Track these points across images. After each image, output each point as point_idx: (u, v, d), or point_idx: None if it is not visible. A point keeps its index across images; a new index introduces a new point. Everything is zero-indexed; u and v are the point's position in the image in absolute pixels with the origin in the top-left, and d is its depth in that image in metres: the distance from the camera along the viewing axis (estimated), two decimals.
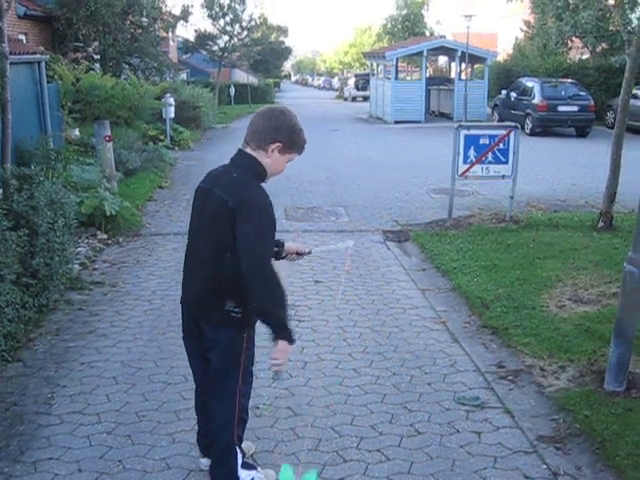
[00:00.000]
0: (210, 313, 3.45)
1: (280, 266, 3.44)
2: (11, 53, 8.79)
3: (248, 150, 3.43)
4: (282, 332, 3.29)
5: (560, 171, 14.90)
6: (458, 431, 4.38)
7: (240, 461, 3.66)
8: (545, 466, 3.98)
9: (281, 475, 3.58)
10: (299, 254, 3.92)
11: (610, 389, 4.74)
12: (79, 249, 8.13)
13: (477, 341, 5.82)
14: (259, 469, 3.83)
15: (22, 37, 17.76)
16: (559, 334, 5.75)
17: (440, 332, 6.03)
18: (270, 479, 3.81)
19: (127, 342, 5.79)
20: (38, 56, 13.11)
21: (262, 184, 3.43)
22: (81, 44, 22.03)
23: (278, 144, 3.38)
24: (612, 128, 10.92)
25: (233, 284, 3.31)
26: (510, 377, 5.11)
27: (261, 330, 3.41)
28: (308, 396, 4.81)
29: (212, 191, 3.38)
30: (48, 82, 13.72)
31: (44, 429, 4.38)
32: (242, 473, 3.67)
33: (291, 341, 3.31)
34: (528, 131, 22.11)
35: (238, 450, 3.65)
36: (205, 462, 3.90)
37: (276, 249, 3.69)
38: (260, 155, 3.40)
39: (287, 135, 3.40)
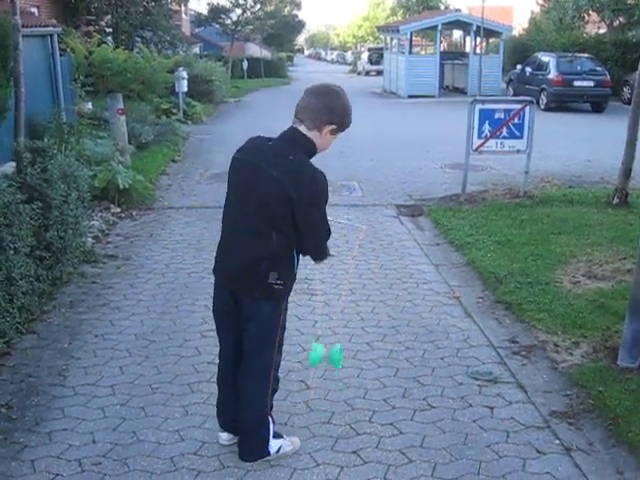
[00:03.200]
0: (252, 286, 3.45)
1: None
2: (23, 26, 8.75)
3: (302, 129, 3.39)
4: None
5: (575, 147, 14.77)
6: (471, 405, 4.37)
7: (272, 430, 3.75)
8: (558, 441, 3.98)
9: (311, 355, 3.89)
10: None
11: (624, 365, 4.72)
12: (92, 222, 8.14)
13: (490, 316, 5.81)
14: (285, 437, 3.88)
15: (34, 10, 17.67)
16: (573, 310, 5.72)
17: (453, 307, 6.02)
18: (296, 446, 3.88)
19: (140, 315, 5.81)
20: (50, 29, 13.06)
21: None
22: (93, 17, 21.95)
23: (333, 126, 3.38)
24: (628, 104, 10.80)
25: (278, 258, 3.40)
26: (523, 352, 5.10)
27: None
28: (321, 369, 4.80)
29: (263, 169, 3.33)
30: (60, 55, 13.67)
31: (58, 400, 4.41)
32: (272, 442, 3.76)
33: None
34: (543, 106, 21.90)
35: (270, 419, 3.74)
36: (225, 437, 3.92)
37: None
38: (314, 135, 3.39)
39: (342, 117, 3.40)
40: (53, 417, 4.22)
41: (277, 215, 3.33)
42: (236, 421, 3.81)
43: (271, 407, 3.81)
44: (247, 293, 3.49)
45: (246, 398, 3.70)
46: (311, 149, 3.41)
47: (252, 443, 3.76)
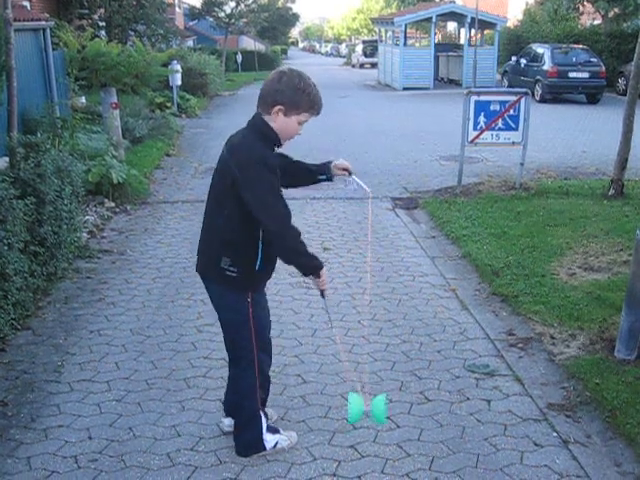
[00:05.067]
0: (207, 270, 3.53)
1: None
2: (15, 20, 8.71)
3: (261, 113, 3.37)
4: (309, 271, 3.44)
5: (570, 138, 14.76)
6: (468, 399, 4.36)
7: (265, 425, 3.74)
8: (555, 434, 3.97)
9: (351, 411, 3.49)
10: (346, 170, 3.81)
11: (621, 357, 4.71)
12: (87, 217, 8.11)
13: (487, 309, 5.80)
14: (282, 431, 3.88)
15: (26, 4, 17.54)
16: (569, 302, 5.71)
17: (450, 300, 6.00)
18: (293, 440, 3.88)
19: (136, 310, 5.78)
20: (43, 23, 12.97)
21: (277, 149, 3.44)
22: (86, 11, 21.82)
23: (279, 106, 3.27)
24: (623, 95, 10.78)
25: (232, 243, 3.36)
26: (520, 345, 5.09)
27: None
28: (317, 364, 4.81)
29: (223, 152, 3.42)
30: (53, 49, 13.60)
31: (54, 397, 4.39)
32: (267, 437, 3.76)
33: (318, 271, 3.42)
34: (538, 98, 21.88)
35: (262, 415, 3.72)
36: (227, 422, 3.96)
37: (324, 177, 3.79)
38: (269, 119, 3.33)
39: (289, 96, 3.27)
40: (49, 413, 4.19)
41: (225, 191, 3.33)
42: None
43: (263, 403, 3.77)
44: (207, 278, 3.56)
45: (236, 389, 3.73)
46: (267, 133, 3.33)
47: (245, 439, 3.75)
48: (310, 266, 3.41)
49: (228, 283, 3.41)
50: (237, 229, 3.33)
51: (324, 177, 3.78)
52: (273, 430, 3.83)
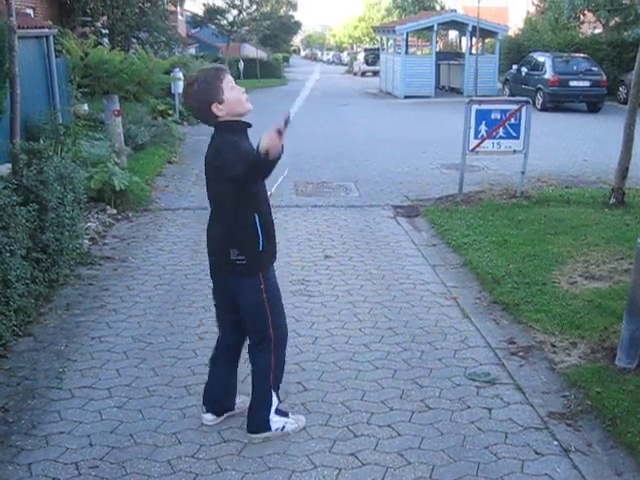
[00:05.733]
0: (221, 266, 3.79)
1: None
2: (19, 27, 8.73)
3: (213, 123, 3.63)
4: (273, 156, 3.25)
5: (571, 146, 14.78)
6: (469, 407, 4.37)
7: (274, 407, 3.96)
8: (556, 442, 3.97)
9: None
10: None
11: (622, 366, 4.71)
12: (89, 224, 8.12)
13: (488, 317, 5.80)
14: (290, 415, 4.07)
15: (30, 11, 17.65)
16: (570, 310, 5.71)
17: (451, 308, 6.01)
18: (300, 424, 4.07)
19: (137, 317, 5.79)
20: (46, 30, 13.05)
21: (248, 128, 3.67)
22: (89, 18, 21.93)
23: (211, 104, 3.52)
24: (624, 103, 10.80)
25: (231, 234, 3.67)
26: (521, 353, 5.09)
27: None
28: (318, 371, 4.81)
29: (207, 159, 3.66)
30: (56, 57, 13.67)
31: (55, 403, 4.39)
32: (274, 418, 3.97)
33: (271, 153, 3.21)
34: (539, 106, 21.90)
35: (274, 395, 3.95)
36: (209, 417, 4.14)
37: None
38: (220, 117, 3.56)
39: (207, 91, 3.52)
40: (50, 420, 4.20)
41: (220, 194, 3.63)
42: (219, 402, 4.14)
43: (277, 386, 4.00)
44: (221, 271, 3.81)
45: (254, 368, 3.96)
46: (231, 125, 3.58)
47: (255, 417, 3.97)
48: (270, 160, 3.25)
49: (240, 272, 3.69)
50: (237, 221, 3.62)
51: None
52: (282, 413, 4.02)
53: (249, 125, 3.67)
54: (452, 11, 36.49)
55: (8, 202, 5.20)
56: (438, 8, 48.88)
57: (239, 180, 3.43)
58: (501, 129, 9.44)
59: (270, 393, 3.93)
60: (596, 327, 5.37)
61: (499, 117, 9.42)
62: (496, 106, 9.74)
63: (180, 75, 18.96)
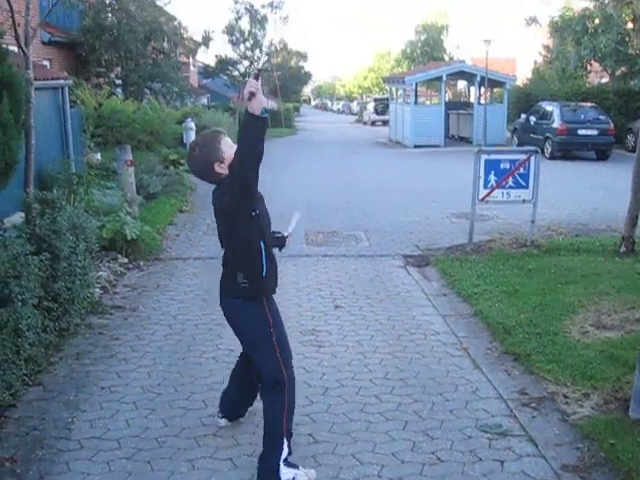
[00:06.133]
0: (227, 289, 4.08)
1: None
2: (36, 79, 8.90)
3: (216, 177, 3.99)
4: (256, 115, 3.60)
5: (581, 195, 14.82)
6: (481, 459, 4.31)
7: (284, 456, 3.95)
8: None
9: None
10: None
11: (635, 417, 4.66)
12: (100, 273, 8.16)
13: (499, 367, 5.76)
14: (300, 468, 4.03)
15: (46, 63, 18.02)
16: (582, 360, 5.67)
17: (462, 358, 5.97)
18: (311, 477, 4.03)
19: (147, 367, 5.78)
20: (61, 81, 13.28)
21: None
22: (103, 69, 22.35)
23: (213, 164, 3.92)
24: (632, 151, 10.85)
25: (238, 260, 3.97)
26: (533, 404, 5.04)
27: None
28: (329, 423, 4.77)
29: (214, 202, 4.07)
30: (71, 107, 13.87)
31: (64, 454, 4.37)
32: (284, 470, 3.94)
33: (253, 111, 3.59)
34: (548, 155, 22.02)
35: (285, 444, 3.96)
36: (223, 422, 4.66)
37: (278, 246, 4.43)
38: (223, 175, 3.91)
39: (208, 154, 3.92)
40: (58, 471, 4.17)
41: (229, 229, 4.01)
42: (232, 407, 4.65)
43: (290, 434, 4.05)
44: (227, 295, 4.10)
45: (266, 416, 4.06)
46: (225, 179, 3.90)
47: (263, 466, 3.99)
48: (258, 122, 3.61)
49: (244, 294, 3.97)
50: (243, 248, 3.93)
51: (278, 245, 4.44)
52: (291, 465, 3.99)
53: None
54: (461, 62, 36.93)
55: (21, 251, 5.25)
56: (447, 59, 49.52)
57: (239, 177, 3.68)
58: (510, 179, 9.49)
59: (282, 440, 3.95)
60: (609, 378, 5.32)
61: (508, 167, 9.47)
62: (505, 156, 9.80)
63: (192, 125, 19.25)
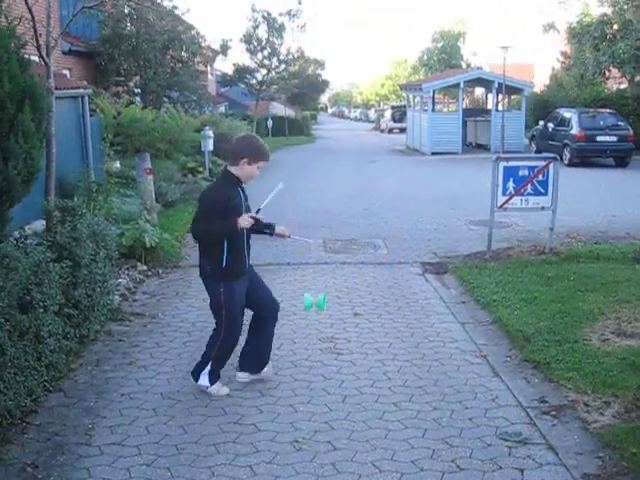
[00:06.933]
0: (201, 272, 5.26)
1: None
2: (56, 88, 9.01)
3: (229, 167, 5.10)
4: (228, 234, 5.03)
5: (600, 202, 14.73)
6: (501, 467, 4.29)
7: (206, 371, 5.33)
8: None
9: (305, 301, 5.38)
10: (280, 235, 5.43)
11: None
12: (119, 280, 8.21)
13: (518, 375, 5.74)
14: (218, 383, 5.36)
15: (66, 72, 18.19)
16: (603, 368, 5.63)
17: (481, 366, 5.95)
18: (222, 392, 5.32)
19: (166, 374, 5.81)
20: (81, 90, 13.40)
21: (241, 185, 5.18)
22: (122, 78, 22.52)
23: (245, 159, 4.98)
24: None
25: (205, 251, 5.16)
26: (553, 412, 5.01)
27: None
28: (348, 430, 4.77)
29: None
30: (90, 115, 13.99)
31: (84, 460, 4.40)
32: (202, 378, 5.33)
33: (234, 229, 4.96)
34: (566, 162, 21.93)
35: (209, 365, 5.32)
36: (240, 375, 5.54)
37: (268, 231, 5.26)
38: (235, 169, 5.05)
39: (251, 152, 5.02)
40: (79, 477, 4.20)
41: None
42: (257, 358, 5.54)
43: (219, 364, 5.36)
44: (201, 275, 5.30)
45: (206, 344, 5.45)
46: (230, 178, 5.08)
47: (196, 366, 5.43)
48: (226, 231, 4.97)
49: (207, 276, 5.20)
50: (207, 244, 5.12)
51: (268, 231, 5.26)
52: (213, 380, 5.34)
53: (241, 182, 5.12)
54: (478, 69, 36.94)
55: (42, 259, 5.30)
56: (464, 66, 49.49)
57: (193, 225, 5.18)
58: (529, 186, 9.44)
59: (209, 359, 5.28)
60: (630, 386, 5.28)
61: (527, 174, 9.43)
62: (524, 163, 9.78)
63: (210, 133, 19.31)
